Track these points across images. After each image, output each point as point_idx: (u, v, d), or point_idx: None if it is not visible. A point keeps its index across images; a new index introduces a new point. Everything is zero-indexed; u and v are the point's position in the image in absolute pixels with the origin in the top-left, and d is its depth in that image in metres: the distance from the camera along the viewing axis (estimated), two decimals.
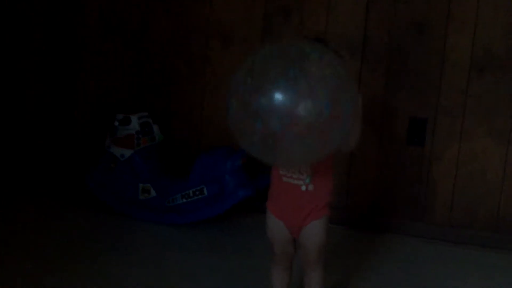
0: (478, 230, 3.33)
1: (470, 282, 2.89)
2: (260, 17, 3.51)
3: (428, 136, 3.31)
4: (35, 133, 3.91)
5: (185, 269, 2.85)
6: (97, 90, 3.80)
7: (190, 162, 3.40)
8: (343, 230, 3.37)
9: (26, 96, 3.90)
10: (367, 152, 3.39)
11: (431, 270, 3.00)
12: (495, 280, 2.94)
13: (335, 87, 1.89)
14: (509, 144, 3.24)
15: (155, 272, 2.79)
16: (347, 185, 3.44)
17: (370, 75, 3.35)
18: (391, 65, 3.32)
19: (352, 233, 3.37)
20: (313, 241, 2.27)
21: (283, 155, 1.97)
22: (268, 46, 1.99)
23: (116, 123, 3.44)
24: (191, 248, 3.08)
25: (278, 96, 1.83)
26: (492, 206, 3.30)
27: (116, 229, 3.25)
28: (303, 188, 2.22)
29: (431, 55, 3.28)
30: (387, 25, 3.31)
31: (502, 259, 3.17)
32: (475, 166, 3.27)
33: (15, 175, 3.82)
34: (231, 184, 3.27)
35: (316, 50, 1.95)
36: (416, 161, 3.35)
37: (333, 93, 1.88)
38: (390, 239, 3.34)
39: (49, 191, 3.68)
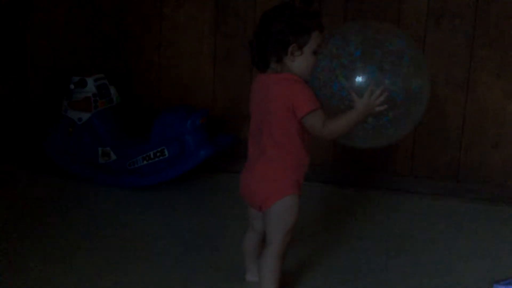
0: (439, 180, 3.36)
1: (435, 232, 2.93)
2: None
3: None
4: None
5: (149, 232, 2.84)
6: (49, 52, 3.71)
7: (149, 122, 3.36)
8: None
9: None
10: None
11: (395, 220, 3.03)
12: (458, 227, 2.99)
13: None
14: (468, 92, 3.25)
15: (117, 236, 2.77)
16: None
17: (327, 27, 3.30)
18: (347, 16, 3.28)
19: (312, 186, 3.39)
20: None
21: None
22: None
23: (72, 86, 3.36)
24: (153, 210, 3.07)
25: None
26: (452, 155, 3.32)
27: (76, 194, 3.23)
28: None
29: (387, 4, 3.25)
30: None
31: (463, 207, 3.22)
32: (434, 115, 3.27)
33: None
34: (192, 144, 3.24)
35: None
36: None
37: None
38: (351, 192, 3.36)
39: (4, 157, 3.62)
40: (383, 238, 2.85)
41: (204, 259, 2.58)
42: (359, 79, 2.03)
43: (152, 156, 3.26)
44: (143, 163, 3.28)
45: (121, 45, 3.62)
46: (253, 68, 3.41)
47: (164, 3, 3.51)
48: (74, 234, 2.77)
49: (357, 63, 2.03)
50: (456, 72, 3.23)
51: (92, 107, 3.36)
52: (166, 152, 3.24)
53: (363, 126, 2.08)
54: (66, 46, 3.68)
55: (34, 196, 3.19)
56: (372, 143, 2.19)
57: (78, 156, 3.39)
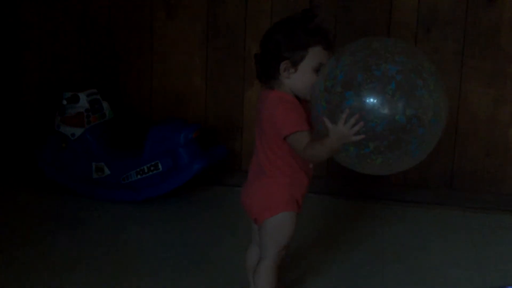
0: (432, 189, 3.37)
1: (430, 241, 2.94)
2: None
3: None
4: None
5: (143, 245, 2.84)
6: (42, 68, 3.71)
7: (143, 136, 3.35)
8: None
9: None
10: None
11: (390, 229, 3.04)
12: (452, 235, 3.00)
13: None
14: (460, 100, 3.26)
15: (112, 250, 2.77)
16: None
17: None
18: (338, 27, 3.29)
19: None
20: None
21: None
22: None
23: (64, 102, 3.36)
24: (148, 224, 3.07)
25: None
26: (445, 164, 3.33)
27: (70, 209, 3.22)
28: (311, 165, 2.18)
29: (378, 15, 3.27)
30: None
31: (457, 216, 3.22)
32: None
33: None
34: (185, 158, 3.24)
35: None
36: None
37: None
38: (345, 202, 3.37)
39: None
40: (378, 247, 2.86)
41: (201, 273, 2.57)
42: (337, 104, 1.86)
43: (146, 170, 3.26)
44: (137, 178, 3.28)
45: (112, 60, 3.62)
46: (245, 81, 3.46)
47: (155, 17, 3.52)
48: (69, 249, 2.76)
49: (337, 87, 1.87)
50: (447, 81, 3.23)
51: (85, 123, 3.36)
52: (160, 166, 3.24)
53: (347, 154, 1.92)
54: (58, 61, 3.68)
55: (26, 211, 3.18)
56: (365, 170, 1.98)
57: (71, 171, 3.39)
